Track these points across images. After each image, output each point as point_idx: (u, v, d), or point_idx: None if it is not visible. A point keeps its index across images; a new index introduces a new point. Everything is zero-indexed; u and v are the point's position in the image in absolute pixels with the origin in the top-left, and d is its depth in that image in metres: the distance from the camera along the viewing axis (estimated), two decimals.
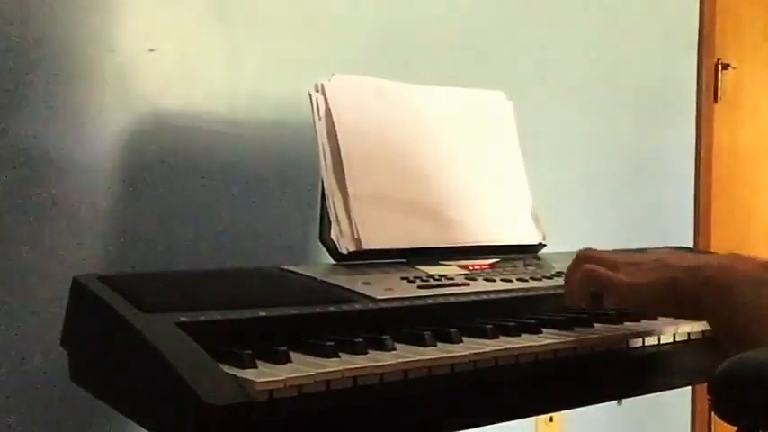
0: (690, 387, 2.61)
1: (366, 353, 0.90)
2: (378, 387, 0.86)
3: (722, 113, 2.94)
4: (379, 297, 1.08)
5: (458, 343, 0.97)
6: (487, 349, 0.95)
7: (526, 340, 1.00)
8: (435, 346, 0.95)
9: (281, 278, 1.15)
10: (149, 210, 1.54)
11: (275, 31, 1.72)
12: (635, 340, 1.08)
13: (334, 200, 1.28)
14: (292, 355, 0.87)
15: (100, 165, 1.49)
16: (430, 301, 1.11)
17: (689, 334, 1.13)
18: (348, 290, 1.10)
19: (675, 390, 1.25)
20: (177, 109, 1.58)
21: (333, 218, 1.28)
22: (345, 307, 1.04)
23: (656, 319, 1.15)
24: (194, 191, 1.59)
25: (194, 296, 0.99)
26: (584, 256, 1.09)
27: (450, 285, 1.18)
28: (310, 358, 0.88)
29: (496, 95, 1.55)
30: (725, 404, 0.78)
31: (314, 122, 1.31)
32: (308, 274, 1.16)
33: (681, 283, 0.99)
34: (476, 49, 2.09)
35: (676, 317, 1.10)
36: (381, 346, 0.92)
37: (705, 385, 0.80)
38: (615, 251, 1.16)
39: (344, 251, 1.26)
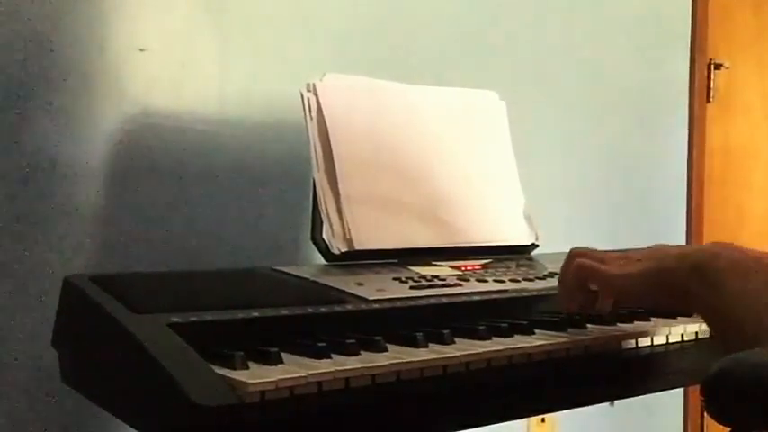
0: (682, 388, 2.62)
1: (358, 354, 0.90)
2: (370, 388, 0.85)
3: (715, 113, 2.94)
4: (371, 298, 1.08)
5: (450, 344, 0.97)
6: (480, 350, 0.94)
7: (519, 341, 1.00)
8: (427, 347, 0.95)
9: (272, 279, 1.14)
10: (139, 210, 1.54)
11: (266, 31, 1.72)
12: (628, 342, 1.08)
13: (326, 200, 1.28)
14: (284, 356, 0.86)
15: (90, 165, 1.49)
16: (422, 301, 1.11)
17: (682, 335, 1.13)
18: (340, 290, 1.10)
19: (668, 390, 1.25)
20: (167, 109, 1.58)
21: (325, 218, 1.27)
22: (337, 308, 1.04)
23: (648, 320, 1.15)
24: (185, 191, 1.59)
25: (186, 297, 0.98)
26: (576, 253, 1.10)
27: (443, 286, 1.18)
28: (302, 359, 0.87)
29: (489, 95, 1.55)
30: (718, 405, 0.78)
31: (305, 122, 1.31)
32: (300, 274, 1.16)
33: (669, 270, 0.99)
34: (469, 49, 2.09)
35: (666, 307, 1.10)
36: (373, 347, 0.92)
37: (698, 386, 0.80)
38: (608, 251, 1.16)
39: (336, 251, 1.26)
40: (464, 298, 1.15)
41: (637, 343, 1.09)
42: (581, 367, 1.03)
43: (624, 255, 1.07)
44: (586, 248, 1.12)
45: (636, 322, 1.14)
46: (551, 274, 1.29)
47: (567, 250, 1.36)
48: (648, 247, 1.09)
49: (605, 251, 1.14)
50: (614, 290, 1.06)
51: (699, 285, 0.96)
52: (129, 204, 1.53)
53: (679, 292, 0.98)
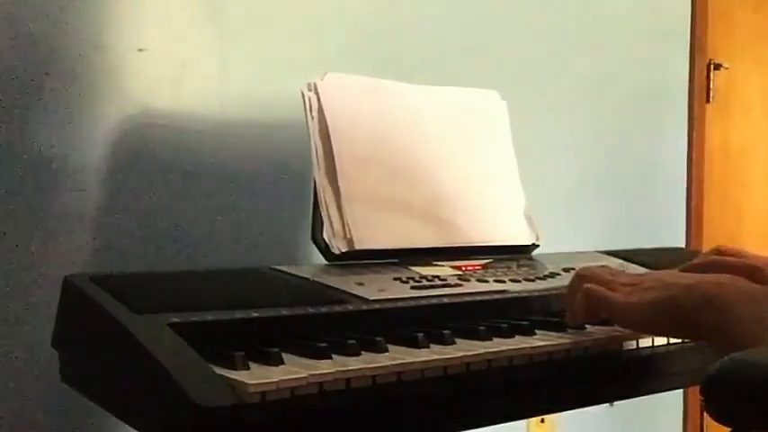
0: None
1: (359, 354, 0.90)
2: (371, 389, 0.85)
3: (714, 113, 2.94)
4: (371, 298, 1.08)
5: (451, 344, 0.97)
6: (481, 351, 0.94)
7: (520, 342, 1.00)
8: (428, 347, 0.94)
9: (273, 279, 1.14)
10: (139, 210, 1.54)
11: (267, 30, 1.71)
12: (629, 342, 1.08)
13: (327, 199, 1.28)
14: (285, 356, 0.86)
15: (89, 165, 1.49)
16: (423, 302, 1.11)
17: None
18: (340, 290, 1.10)
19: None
20: (167, 109, 1.58)
21: (325, 218, 1.27)
22: (338, 308, 1.04)
23: None
24: (185, 191, 1.59)
25: (186, 297, 0.98)
26: (584, 276, 1.09)
27: (443, 286, 1.18)
28: (303, 360, 0.87)
29: (490, 95, 1.55)
30: (718, 405, 0.78)
31: (306, 122, 1.31)
32: (301, 274, 1.16)
33: (678, 300, 0.98)
34: (469, 49, 2.09)
35: (674, 337, 1.09)
36: (374, 348, 0.92)
37: (698, 386, 0.80)
38: (614, 270, 1.15)
39: (337, 251, 1.26)
40: (465, 298, 1.15)
41: (637, 343, 1.09)
42: (581, 368, 1.03)
43: (632, 281, 1.06)
44: (593, 269, 1.11)
45: None
46: (552, 275, 1.29)
47: (568, 250, 1.35)
48: (658, 273, 1.08)
49: (612, 271, 1.13)
50: (621, 319, 1.05)
51: (707, 316, 0.95)
52: (129, 204, 1.53)
53: (688, 324, 0.98)
